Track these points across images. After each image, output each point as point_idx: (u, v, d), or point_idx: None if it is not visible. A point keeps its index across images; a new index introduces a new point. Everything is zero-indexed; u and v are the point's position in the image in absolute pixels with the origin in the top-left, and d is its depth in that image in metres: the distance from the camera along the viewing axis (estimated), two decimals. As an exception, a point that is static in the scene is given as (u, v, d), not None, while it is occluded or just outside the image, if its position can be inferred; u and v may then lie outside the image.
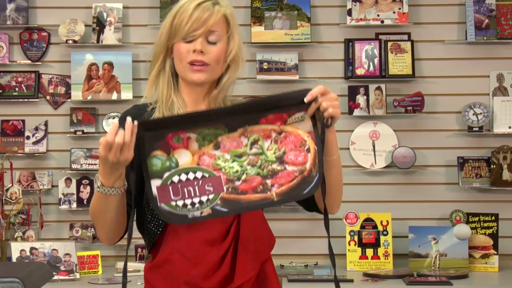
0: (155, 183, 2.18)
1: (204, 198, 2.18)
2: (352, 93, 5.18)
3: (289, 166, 2.21)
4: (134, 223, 2.49)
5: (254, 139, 2.22)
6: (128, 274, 4.97)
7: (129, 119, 2.16)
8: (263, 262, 2.43)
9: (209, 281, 2.33)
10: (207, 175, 2.19)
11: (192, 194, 2.18)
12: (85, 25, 5.21)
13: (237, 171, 2.20)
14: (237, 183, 2.20)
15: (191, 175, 2.18)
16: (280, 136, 2.23)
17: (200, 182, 2.18)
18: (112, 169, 2.19)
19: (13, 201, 4.93)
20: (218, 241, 2.30)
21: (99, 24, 5.21)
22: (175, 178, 2.18)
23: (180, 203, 2.18)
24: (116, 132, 2.14)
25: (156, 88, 2.47)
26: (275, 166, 2.21)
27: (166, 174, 2.18)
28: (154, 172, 2.18)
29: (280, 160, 2.22)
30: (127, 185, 2.29)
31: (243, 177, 2.20)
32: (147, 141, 2.19)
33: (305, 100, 2.22)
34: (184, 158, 2.19)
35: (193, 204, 2.18)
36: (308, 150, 2.22)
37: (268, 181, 2.20)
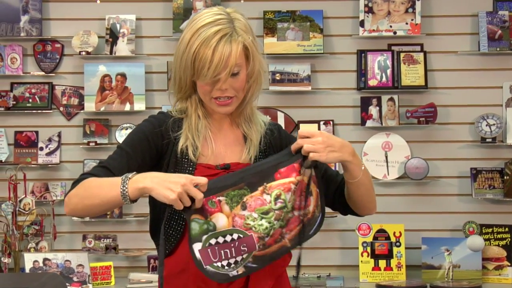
0: (196, 247, 2.23)
1: (239, 258, 2.24)
2: (365, 104, 5.18)
3: (295, 212, 2.29)
4: (149, 231, 2.49)
5: (276, 195, 2.28)
6: (141, 285, 4.98)
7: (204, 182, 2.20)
8: (278, 275, 2.43)
9: None
10: (242, 236, 2.24)
11: (229, 255, 2.23)
12: (99, 37, 5.23)
13: (266, 228, 2.26)
14: (266, 239, 2.26)
15: (228, 238, 2.23)
16: (296, 187, 2.30)
17: (237, 243, 2.24)
18: (153, 186, 2.18)
19: (27, 212, 4.94)
20: None
21: (112, 36, 5.23)
22: (213, 241, 2.22)
23: (219, 264, 2.23)
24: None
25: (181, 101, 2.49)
26: (290, 214, 2.28)
27: (204, 237, 2.22)
28: (194, 236, 2.23)
29: (292, 207, 2.29)
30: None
31: (271, 232, 2.26)
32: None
33: (292, 150, 2.31)
34: (221, 221, 2.24)
35: (229, 264, 2.23)
36: (311, 194, 2.31)
37: (284, 230, 2.28)
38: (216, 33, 2.31)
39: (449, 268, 4.90)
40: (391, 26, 5.19)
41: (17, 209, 4.91)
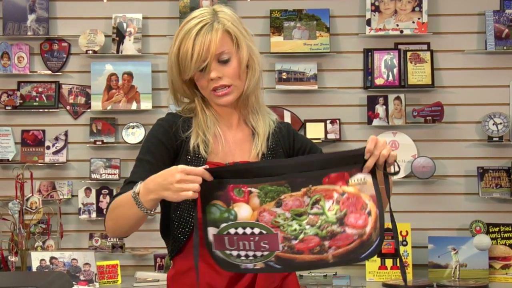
0: (211, 231, 2.16)
1: (258, 253, 2.15)
2: (371, 103, 5.18)
3: (348, 229, 2.15)
4: (159, 229, 2.49)
5: (316, 199, 2.16)
6: (147, 284, 4.99)
7: (203, 171, 2.14)
8: (285, 275, 2.44)
9: None
10: (264, 232, 2.15)
11: (247, 248, 2.15)
12: (105, 36, 5.24)
13: (295, 230, 2.15)
14: (294, 242, 2.15)
15: (248, 230, 2.15)
16: (342, 197, 2.17)
17: (257, 238, 2.15)
18: (158, 194, 2.17)
19: (33, 211, 4.95)
20: None
21: (119, 35, 5.24)
22: (232, 230, 2.15)
23: (234, 253, 2.16)
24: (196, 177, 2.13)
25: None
26: (335, 227, 2.15)
27: (223, 225, 2.15)
28: (211, 220, 2.16)
29: (341, 222, 2.15)
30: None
31: (301, 236, 2.15)
32: (209, 188, 2.16)
33: (365, 156, 2.17)
34: (244, 212, 2.16)
35: (247, 256, 2.16)
36: (369, 214, 2.16)
37: (326, 243, 2.15)
38: (196, 25, 2.36)
39: (455, 267, 4.90)
40: (397, 25, 5.18)
41: (24, 207, 4.92)
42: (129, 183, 2.34)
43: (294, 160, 2.25)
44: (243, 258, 2.16)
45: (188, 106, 2.49)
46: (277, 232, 2.15)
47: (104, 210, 2.43)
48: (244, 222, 2.15)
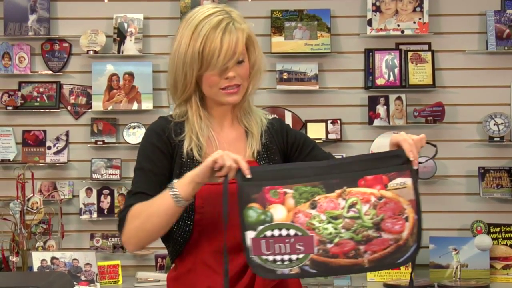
0: (249, 235, 2.15)
1: (294, 257, 2.14)
2: (372, 103, 5.18)
3: (385, 234, 2.14)
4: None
5: (352, 202, 2.15)
6: (148, 284, 4.99)
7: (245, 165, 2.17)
8: None
9: None
10: (300, 234, 2.14)
11: (283, 251, 2.13)
12: (106, 36, 5.24)
13: (330, 233, 2.14)
14: (329, 245, 2.13)
15: (284, 232, 2.14)
16: (379, 202, 2.15)
17: (292, 239, 2.13)
18: (196, 175, 2.20)
19: (34, 211, 4.95)
20: (241, 251, 2.30)
21: (120, 35, 5.24)
22: (268, 233, 2.14)
23: (270, 258, 2.14)
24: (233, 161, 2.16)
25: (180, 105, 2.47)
26: (371, 232, 2.14)
27: (260, 228, 2.14)
28: (250, 224, 2.15)
29: (377, 226, 2.14)
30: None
31: (336, 240, 2.13)
32: (244, 191, 2.16)
33: (414, 165, 2.21)
34: (279, 213, 2.15)
35: (282, 260, 2.14)
36: (407, 219, 2.16)
37: (361, 247, 2.14)
38: (219, 23, 2.34)
39: (456, 268, 4.90)
40: (398, 25, 5.18)
41: (25, 208, 4.92)
42: (135, 194, 2.34)
43: (328, 162, 2.24)
44: (279, 263, 2.14)
45: (178, 111, 2.46)
46: (313, 235, 2.14)
47: (117, 224, 2.40)
48: (280, 223, 2.14)
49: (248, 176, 2.14)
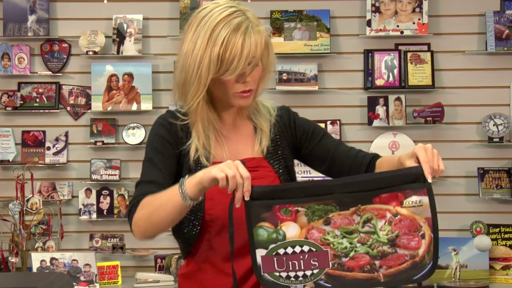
0: (260, 253, 2.11)
1: (308, 272, 2.11)
2: (372, 103, 5.18)
3: (400, 250, 2.12)
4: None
5: (367, 218, 2.13)
6: (148, 285, 4.99)
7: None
8: None
9: None
10: (314, 249, 2.11)
11: (297, 268, 2.10)
12: (106, 37, 5.24)
13: (345, 248, 2.11)
14: (344, 259, 2.11)
15: (297, 249, 2.11)
16: (395, 218, 2.13)
17: (307, 256, 2.10)
18: (205, 175, 2.14)
19: (34, 212, 4.95)
20: (248, 252, 2.29)
21: (119, 36, 5.24)
22: (281, 251, 2.10)
23: (283, 274, 2.11)
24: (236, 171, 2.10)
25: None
26: (386, 248, 2.12)
27: (272, 246, 2.11)
28: (260, 242, 2.11)
29: (392, 243, 2.12)
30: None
31: (351, 254, 2.11)
32: (254, 210, 2.12)
33: (429, 179, 2.14)
34: (292, 231, 2.12)
35: (296, 277, 2.11)
36: (423, 236, 2.12)
37: (377, 262, 2.11)
38: (239, 25, 2.30)
39: (456, 268, 4.90)
40: (398, 26, 5.18)
41: (24, 208, 4.92)
42: (146, 183, 2.32)
43: (340, 180, 2.19)
44: (292, 279, 2.11)
45: (185, 108, 2.42)
46: (327, 250, 2.11)
47: (127, 212, 2.36)
48: (293, 241, 2.11)
49: (247, 199, 2.09)
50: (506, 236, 4.97)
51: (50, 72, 5.29)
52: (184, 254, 2.45)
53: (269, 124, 2.47)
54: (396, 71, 5.17)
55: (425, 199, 2.13)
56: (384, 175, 2.16)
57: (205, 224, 2.35)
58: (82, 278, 4.73)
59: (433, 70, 5.15)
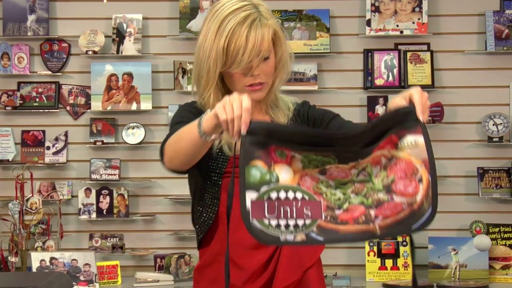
0: (250, 195, 1.94)
1: (300, 222, 1.94)
2: (371, 103, 5.18)
3: (396, 197, 1.96)
4: (190, 216, 2.47)
5: (362, 167, 2.01)
6: (147, 284, 4.99)
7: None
8: (307, 268, 2.40)
9: (252, 285, 2.33)
10: (307, 198, 1.96)
11: (288, 215, 1.94)
12: (105, 36, 5.24)
13: (339, 199, 1.98)
14: (338, 212, 1.96)
15: (290, 194, 1.96)
16: (390, 163, 1.98)
17: (299, 203, 1.95)
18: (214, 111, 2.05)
19: (33, 211, 4.95)
20: (263, 246, 2.27)
21: (119, 35, 5.24)
22: (273, 195, 1.95)
23: (273, 222, 1.93)
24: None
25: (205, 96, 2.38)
26: (381, 195, 1.97)
27: (264, 188, 1.95)
28: (251, 184, 1.95)
29: (388, 189, 1.97)
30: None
31: (345, 206, 1.97)
32: (248, 145, 1.97)
33: (422, 119, 2.03)
34: (285, 174, 1.98)
35: (287, 226, 1.93)
36: (420, 180, 1.95)
37: (372, 212, 1.95)
38: (245, 18, 2.28)
39: (455, 268, 4.90)
40: (397, 26, 5.19)
41: (24, 208, 4.92)
42: (178, 123, 2.28)
43: (343, 134, 2.07)
44: (283, 228, 1.93)
45: (201, 102, 2.40)
46: (320, 200, 1.97)
47: (161, 144, 2.31)
48: (286, 186, 1.96)
49: (243, 132, 1.96)
50: (506, 235, 4.97)
51: (50, 72, 5.29)
52: (198, 243, 2.44)
53: (287, 119, 2.46)
54: (395, 70, 5.18)
55: (420, 139, 2.00)
56: (379, 120, 2.04)
57: (220, 216, 2.35)
58: (81, 278, 4.73)
59: (432, 69, 5.16)
